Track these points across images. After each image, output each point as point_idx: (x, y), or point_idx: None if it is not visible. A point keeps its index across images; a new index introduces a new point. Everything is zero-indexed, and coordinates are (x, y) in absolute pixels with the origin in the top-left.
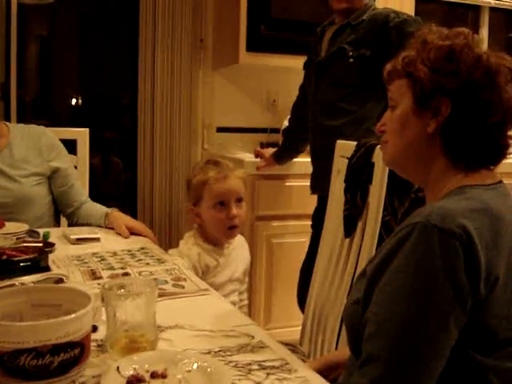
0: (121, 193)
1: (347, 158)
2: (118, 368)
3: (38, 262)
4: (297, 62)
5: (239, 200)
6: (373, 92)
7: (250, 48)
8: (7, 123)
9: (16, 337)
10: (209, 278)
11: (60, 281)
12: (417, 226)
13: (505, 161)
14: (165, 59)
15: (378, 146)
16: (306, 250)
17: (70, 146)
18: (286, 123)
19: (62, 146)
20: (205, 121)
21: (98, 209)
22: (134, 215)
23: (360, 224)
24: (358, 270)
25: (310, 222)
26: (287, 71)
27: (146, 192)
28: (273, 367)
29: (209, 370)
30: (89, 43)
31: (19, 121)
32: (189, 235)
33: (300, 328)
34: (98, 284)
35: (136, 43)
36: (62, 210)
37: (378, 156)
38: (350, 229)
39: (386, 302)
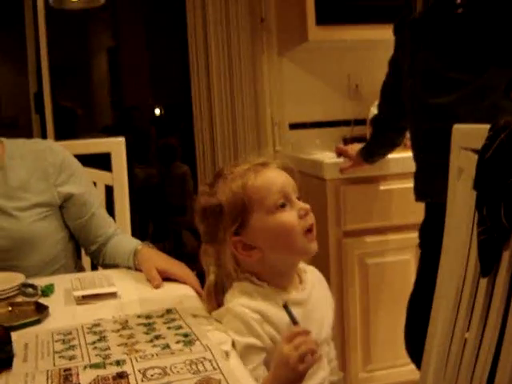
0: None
1: (472, 150)
2: None
3: None
4: (382, 33)
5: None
6: (493, 53)
7: (321, 20)
8: (2, 138)
9: None
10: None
11: None
12: None
13: None
14: (220, 45)
15: None
16: (413, 274)
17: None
18: (373, 111)
19: (76, 163)
20: (274, 117)
21: (127, 244)
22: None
23: (506, 255)
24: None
25: (414, 234)
26: (370, 46)
27: None
28: None
29: None
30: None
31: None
32: (237, 286)
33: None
34: None
35: (184, 29)
36: (83, 248)
37: None
38: (489, 263)
39: None
